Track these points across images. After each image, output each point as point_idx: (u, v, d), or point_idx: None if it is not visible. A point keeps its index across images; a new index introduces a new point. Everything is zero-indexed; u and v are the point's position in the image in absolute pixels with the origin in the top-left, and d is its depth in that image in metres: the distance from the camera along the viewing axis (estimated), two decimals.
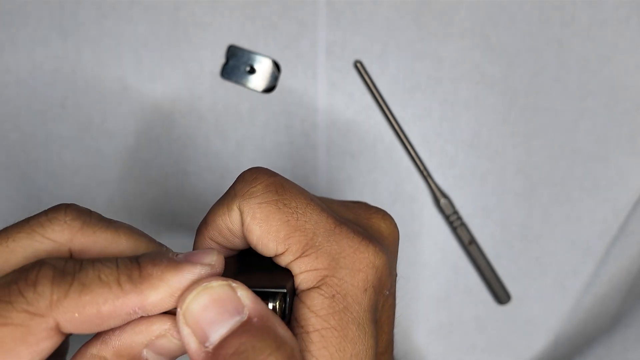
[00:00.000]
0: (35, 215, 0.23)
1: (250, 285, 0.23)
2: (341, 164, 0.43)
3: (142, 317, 0.23)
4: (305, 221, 0.25)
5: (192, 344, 0.22)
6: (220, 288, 0.22)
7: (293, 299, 0.25)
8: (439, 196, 0.43)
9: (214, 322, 0.21)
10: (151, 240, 0.25)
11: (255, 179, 0.25)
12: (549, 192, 0.44)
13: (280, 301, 0.24)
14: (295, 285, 0.25)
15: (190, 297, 0.22)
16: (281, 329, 0.22)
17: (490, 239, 0.44)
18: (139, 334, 0.23)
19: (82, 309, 0.21)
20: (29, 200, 0.43)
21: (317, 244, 0.25)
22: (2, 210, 0.43)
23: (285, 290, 0.24)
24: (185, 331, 0.22)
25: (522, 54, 0.43)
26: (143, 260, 0.22)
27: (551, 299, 0.45)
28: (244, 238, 0.26)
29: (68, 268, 0.21)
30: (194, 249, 0.27)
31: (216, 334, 0.21)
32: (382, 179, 0.43)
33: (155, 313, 0.22)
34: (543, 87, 0.43)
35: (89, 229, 0.23)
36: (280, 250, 0.25)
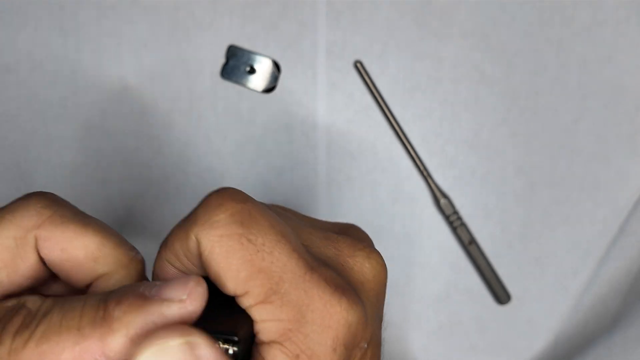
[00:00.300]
0: (14, 200, 0.23)
1: (202, 327, 0.21)
2: (341, 164, 0.43)
3: None
4: (272, 262, 0.22)
5: None
6: (177, 349, 0.19)
7: (251, 343, 0.23)
8: (439, 196, 0.43)
9: None
10: (120, 242, 0.23)
11: (220, 205, 0.22)
12: (549, 193, 0.44)
13: (233, 350, 0.21)
14: (255, 332, 0.22)
15: (142, 358, 0.19)
16: None
17: (490, 239, 0.44)
18: None
19: (40, 359, 0.19)
20: None
21: (282, 290, 0.22)
22: None
23: (236, 338, 0.21)
24: None
25: (522, 54, 0.43)
26: (110, 298, 0.20)
27: (551, 299, 0.44)
28: (203, 268, 0.23)
29: (39, 312, 0.20)
30: (153, 270, 0.25)
31: None
32: (382, 179, 0.43)
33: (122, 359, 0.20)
34: (543, 87, 0.43)
35: (58, 218, 0.22)
36: (239, 292, 0.22)
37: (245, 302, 0.22)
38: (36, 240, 0.23)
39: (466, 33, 0.42)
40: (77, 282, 0.24)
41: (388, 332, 0.29)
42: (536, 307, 0.45)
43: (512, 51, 0.43)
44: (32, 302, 0.21)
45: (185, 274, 0.24)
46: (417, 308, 0.45)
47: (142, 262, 0.24)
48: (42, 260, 0.23)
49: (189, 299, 0.20)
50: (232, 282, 0.22)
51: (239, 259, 0.21)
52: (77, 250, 0.23)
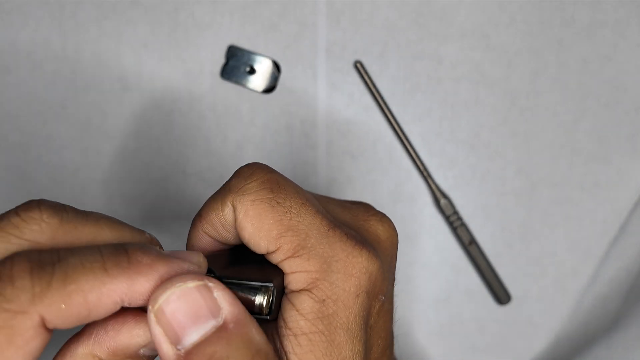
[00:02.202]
0: (4, 215, 0.21)
1: (238, 278, 0.23)
2: (341, 164, 0.43)
3: (139, 318, 0.22)
4: (299, 221, 0.24)
5: (164, 345, 0.21)
6: (195, 289, 0.21)
7: (281, 297, 0.25)
8: (439, 196, 0.43)
9: (187, 325, 0.20)
10: (135, 229, 0.24)
11: (251, 175, 0.25)
12: (549, 193, 0.44)
13: (267, 296, 0.24)
14: (285, 284, 0.25)
15: (163, 297, 0.20)
16: (257, 335, 0.22)
17: (490, 239, 0.44)
18: (137, 337, 0.22)
19: (68, 298, 0.19)
20: None
21: (309, 245, 0.24)
22: (2, 210, 0.43)
23: (272, 285, 0.24)
24: (157, 331, 0.21)
25: (522, 54, 0.43)
26: (131, 247, 0.21)
27: (551, 299, 0.44)
28: (237, 234, 0.25)
29: (45, 258, 0.20)
30: (188, 241, 0.27)
31: (189, 338, 0.20)
32: (382, 179, 0.43)
33: (140, 303, 0.21)
34: (543, 88, 0.43)
35: (69, 224, 0.22)
36: (271, 249, 0.24)
37: (276, 258, 0.24)
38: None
39: (466, 33, 0.42)
40: None
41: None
42: (536, 307, 0.45)
43: (512, 51, 0.43)
44: (28, 252, 0.20)
45: (221, 242, 0.26)
46: (418, 308, 0.45)
47: (158, 242, 0.25)
48: None
49: (202, 265, 0.22)
50: (265, 240, 0.24)
51: (270, 219, 0.24)
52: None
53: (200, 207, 0.26)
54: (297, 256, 0.24)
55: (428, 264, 0.44)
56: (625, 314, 0.43)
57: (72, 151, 0.42)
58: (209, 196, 0.26)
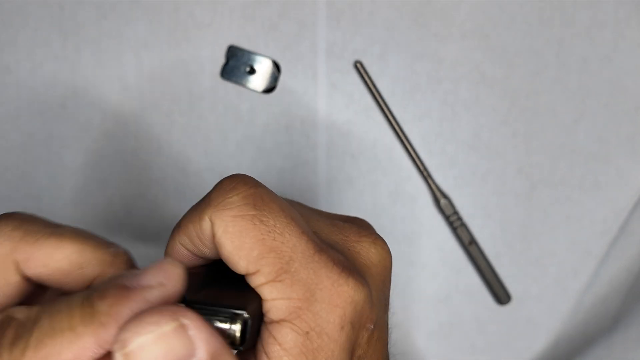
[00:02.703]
0: None
1: (210, 304, 0.22)
2: (341, 165, 0.43)
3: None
4: (282, 242, 0.23)
5: None
6: (171, 332, 0.19)
7: (259, 323, 0.23)
8: (439, 196, 0.43)
9: None
10: (101, 244, 0.23)
11: (234, 188, 0.23)
12: (549, 192, 0.44)
13: (241, 325, 0.22)
14: (265, 311, 0.23)
15: (134, 343, 0.19)
16: None
17: (490, 239, 0.44)
18: None
19: None
20: (29, 200, 0.43)
21: (292, 269, 0.22)
22: (2, 210, 0.43)
23: (246, 315, 0.22)
24: None
25: (522, 54, 0.43)
26: (92, 295, 0.20)
27: (552, 299, 0.44)
28: (215, 249, 0.24)
29: (29, 321, 0.20)
30: (165, 252, 0.26)
31: None
32: (382, 179, 0.43)
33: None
34: (543, 88, 0.43)
35: (30, 237, 0.22)
36: (251, 270, 0.23)
37: (256, 281, 0.23)
38: (16, 263, 0.22)
39: (466, 33, 0.42)
40: (72, 289, 0.24)
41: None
42: (536, 308, 0.45)
43: (512, 51, 0.43)
44: (19, 312, 0.21)
45: (198, 256, 0.25)
46: (418, 308, 0.45)
47: (127, 254, 0.24)
48: (26, 280, 0.23)
49: (168, 282, 0.20)
50: (245, 260, 0.22)
51: (251, 238, 0.22)
52: (60, 263, 0.23)
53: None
54: (279, 281, 0.22)
55: (428, 264, 0.44)
56: (626, 314, 0.43)
57: (72, 151, 0.42)
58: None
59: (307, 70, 0.42)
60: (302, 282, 0.23)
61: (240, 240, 0.22)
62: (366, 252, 0.26)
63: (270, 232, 0.23)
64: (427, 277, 0.44)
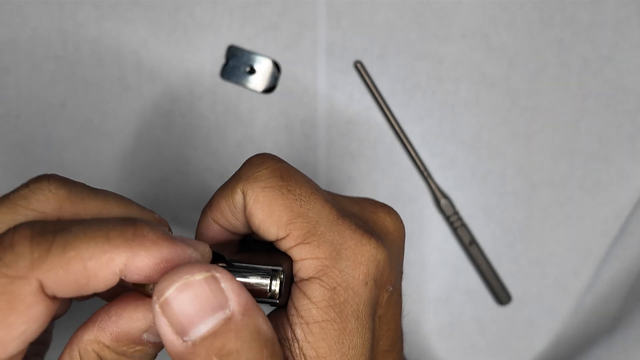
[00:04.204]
0: (15, 189, 0.22)
1: (246, 263, 0.23)
2: (341, 165, 0.43)
3: (139, 302, 0.22)
4: (309, 209, 0.25)
5: (169, 337, 0.20)
6: (203, 281, 0.20)
7: (290, 283, 0.25)
8: (439, 197, 0.43)
9: (195, 318, 0.20)
10: (144, 209, 0.24)
11: (262, 163, 0.25)
12: (549, 193, 0.44)
13: (278, 280, 0.24)
14: (294, 272, 0.25)
15: (169, 290, 0.20)
16: (264, 324, 0.21)
17: (490, 239, 0.44)
18: (137, 321, 0.22)
19: (67, 265, 0.19)
20: None
21: (319, 232, 0.24)
22: None
23: (281, 268, 0.24)
24: (162, 322, 0.20)
25: (522, 54, 0.43)
26: (139, 221, 0.21)
27: (552, 299, 0.44)
28: (246, 222, 0.25)
29: (48, 227, 0.20)
30: (197, 230, 0.27)
31: (197, 331, 0.20)
32: (382, 180, 0.43)
33: (137, 279, 0.20)
34: (543, 88, 0.43)
35: (76, 196, 0.22)
36: (281, 235, 0.24)
37: (286, 244, 0.25)
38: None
39: (466, 33, 0.42)
40: None
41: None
42: (537, 308, 0.45)
43: (512, 51, 0.43)
44: (33, 222, 0.20)
45: (230, 231, 0.26)
46: (418, 308, 0.45)
47: (166, 223, 0.25)
48: None
49: (204, 254, 0.22)
50: (275, 226, 0.24)
51: (280, 206, 0.24)
52: None
53: (208, 200, 0.26)
54: (307, 243, 0.24)
55: (428, 264, 0.44)
56: (626, 314, 0.43)
57: (72, 151, 0.42)
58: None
59: (307, 70, 0.42)
60: (329, 242, 0.24)
61: (270, 208, 0.24)
62: (382, 220, 0.27)
63: (297, 200, 0.24)
64: (427, 278, 0.44)
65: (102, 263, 0.20)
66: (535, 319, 0.45)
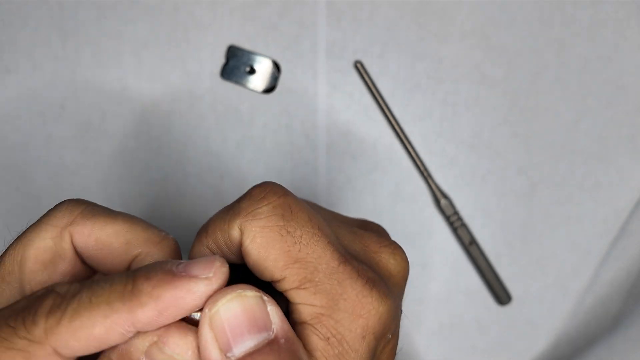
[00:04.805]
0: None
1: None
2: (341, 165, 0.43)
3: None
4: (308, 253, 0.23)
5: (212, 351, 0.21)
6: (253, 299, 0.21)
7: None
8: (439, 197, 0.43)
9: (242, 333, 0.20)
10: (148, 226, 0.24)
11: (264, 198, 0.24)
12: (549, 193, 0.44)
13: None
14: (290, 311, 0.24)
15: (221, 302, 0.21)
16: (304, 354, 0.21)
17: (490, 239, 0.44)
18: (134, 344, 0.22)
19: (74, 334, 0.21)
20: (29, 200, 0.43)
21: (316, 279, 0.23)
22: (2, 210, 0.43)
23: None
24: (208, 335, 0.21)
25: (522, 54, 0.43)
26: (137, 274, 0.21)
27: (552, 299, 0.44)
28: (241, 256, 0.24)
29: (69, 294, 0.21)
30: (190, 253, 0.26)
31: (242, 347, 0.20)
32: (383, 180, 0.43)
33: (152, 328, 0.21)
34: (543, 88, 0.43)
35: (88, 213, 0.24)
36: (276, 278, 0.24)
37: (281, 287, 0.24)
38: (71, 236, 0.24)
39: (466, 33, 0.42)
40: (114, 269, 0.25)
41: None
42: (537, 308, 0.45)
43: (512, 51, 0.43)
44: (62, 286, 0.22)
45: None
46: (418, 308, 0.45)
47: (174, 241, 0.25)
48: (79, 257, 0.25)
49: (214, 277, 0.21)
50: (270, 270, 0.23)
51: (277, 250, 0.23)
52: (110, 238, 0.24)
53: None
54: (303, 289, 0.23)
55: (428, 264, 0.44)
56: (626, 314, 0.43)
57: (72, 151, 0.42)
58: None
59: (307, 70, 0.42)
60: (326, 291, 0.23)
61: (266, 251, 0.23)
62: (385, 262, 0.26)
63: (296, 243, 0.23)
64: (427, 278, 0.44)
65: (107, 328, 0.21)
66: (535, 319, 0.45)
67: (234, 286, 0.21)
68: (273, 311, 0.21)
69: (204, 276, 0.21)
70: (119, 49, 0.42)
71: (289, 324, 0.21)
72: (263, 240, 0.23)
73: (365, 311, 0.24)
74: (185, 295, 0.21)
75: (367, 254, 0.26)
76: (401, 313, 0.27)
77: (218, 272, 0.22)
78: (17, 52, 0.41)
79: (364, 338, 0.24)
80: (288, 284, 0.23)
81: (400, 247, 0.27)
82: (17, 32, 0.41)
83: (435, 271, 0.44)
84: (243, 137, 0.43)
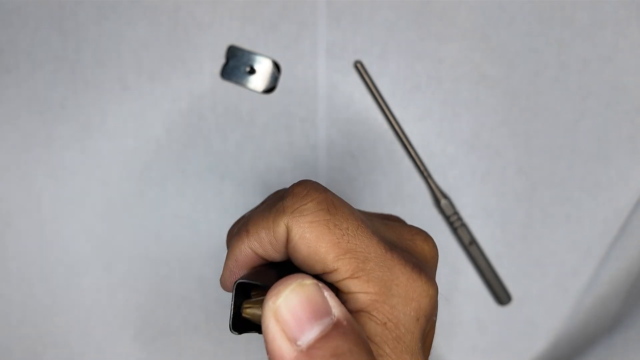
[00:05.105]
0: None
1: None
2: (341, 165, 0.43)
3: None
4: (356, 244, 0.24)
5: (281, 344, 0.21)
6: (312, 287, 0.21)
7: None
8: (439, 197, 0.43)
9: (308, 321, 0.21)
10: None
11: (307, 195, 0.25)
12: (549, 193, 0.44)
13: None
14: (343, 301, 0.24)
15: (285, 292, 0.21)
16: (362, 331, 0.22)
17: (490, 239, 0.44)
18: None
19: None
20: (29, 200, 0.43)
21: (368, 268, 0.24)
22: (2, 210, 0.43)
23: None
24: (274, 328, 0.21)
25: (522, 55, 0.43)
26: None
27: (552, 299, 0.44)
28: (286, 253, 0.25)
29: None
30: (230, 255, 0.27)
31: (309, 334, 0.21)
32: (383, 180, 0.43)
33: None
34: (543, 88, 0.43)
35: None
36: (328, 270, 0.24)
37: (333, 278, 0.24)
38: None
39: (466, 33, 0.42)
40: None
41: None
42: (537, 308, 0.45)
43: (512, 51, 0.43)
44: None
45: (264, 259, 0.27)
46: None
47: None
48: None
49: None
50: (322, 263, 0.24)
51: (328, 242, 0.24)
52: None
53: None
54: (356, 277, 0.24)
55: None
56: (626, 315, 0.43)
57: (72, 151, 0.42)
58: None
59: (307, 71, 0.42)
60: (378, 278, 0.24)
61: (317, 244, 0.24)
62: (421, 249, 0.27)
63: (344, 235, 0.24)
64: None
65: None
66: (535, 319, 0.45)
67: (291, 276, 0.21)
68: (329, 296, 0.21)
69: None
70: (119, 49, 0.42)
71: (345, 308, 0.22)
72: (312, 235, 0.24)
73: (416, 294, 0.24)
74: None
75: (403, 242, 0.27)
76: None
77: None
78: (17, 52, 0.41)
79: (417, 320, 0.24)
80: (341, 275, 0.24)
81: (429, 235, 0.28)
82: (17, 32, 0.41)
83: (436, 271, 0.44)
84: (243, 137, 0.43)
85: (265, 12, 0.42)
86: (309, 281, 0.21)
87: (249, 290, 0.24)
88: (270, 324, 0.21)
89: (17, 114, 0.42)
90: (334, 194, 0.25)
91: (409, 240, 0.27)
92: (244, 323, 0.24)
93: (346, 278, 0.24)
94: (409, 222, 0.44)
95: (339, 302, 0.21)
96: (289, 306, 0.21)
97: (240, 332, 0.24)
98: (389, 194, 0.43)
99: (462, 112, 0.43)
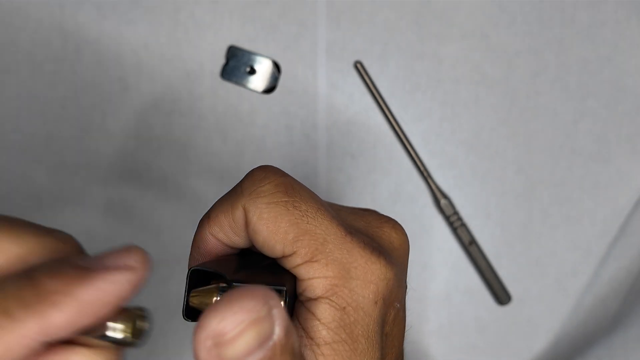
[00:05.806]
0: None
1: (247, 282, 0.23)
2: (341, 165, 0.43)
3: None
4: (316, 225, 0.24)
5: None
6: (264, 315, 0.19)
7: (293, 302, 0.24)
8: (439, 197, 0.43)
9: (251, 353, 0.19)
10: (39, 229, 0.20)
11: (265, 177, 0.24)
12: (549, 193, 0.44)
13: (284, 300, 0.23)
14: (300, 291, 0.24)
15: (233, 332, 0.18)
16: (296, 342, 0.21)
17: (490, 239, 0.44)
18: None
19: None
20: (29, 200, 0.43)
21: (327, 250, 0.23)
22: (2, 210, 0.43)
23: (285, 289, 0.23)
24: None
25: (522, 55, 0.43)
26: (37, 274, 0.17)
27: (552, 299, 0.44)
28: (247, 237, 0.24)
29: None
30: (193, 243, 0.26)
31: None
32: (383, 180, 0.43)
33: (65, 337, 0.17)
34: (543, 88, 0.43)
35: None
36: (287, 252, 0.23)
37: (292, 262, 0.24)
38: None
39: (466, 33, 0.42)
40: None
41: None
42: (536, 308, 0.45)
43: (512, 51, 0.43)
44: None
45: (228, 246, 0.25)
46: (418, 308, 0.45)
47: (74, 239, 0.21)
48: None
49: (137, 265, 0.18)
50: (281, 243, 0.23)
51: (286, 222, 0.23)
52: None
53: (209, 208, 0.25)
54: (315, 261, 0.23)
55: (428, 264, 0.44)
56: (625, 314, 0.43)
57: (72, 151, 0.42)
58: (217, 198, 0.25)
59: (307, 71, 0.42)
60: (337, 261, 0.24)
61: (275, 225, 0.23)
62: (388, 236, 0.27)
63: (303, 216, 0.24)
64: (427, 278, 0.44)
65: (10, 343, 0.16)
66: (535, 318, 0.45)
67: (239, 300, 0.18)
68: (276, 314, 0.19)
69: (123, 265, 0.18)
70: (119, 50, 0.42)
71: (289, 321, 0.20)
72: (270, 215, 0.23)
73: (374, 277, 0.24)
74: (111, 289, 0.17)
75: (369, 229, 0.26)
76: (406, 288, 0.28)
77: (139, 258, 0.18)
78: (17, 52, 0.41)
79: (376, 303, 0.24)
80: (300, 258, 0.23)
81: (400, 225, 0.28)
82: (17, 32, 0.41)
83: (435, 271, 0.44)
84: (243, 137, 0.43)
85: (265, 12, 0.42)
86: (263, 312, 0.19)
87: (210, 279, 0.24)
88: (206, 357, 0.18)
89: (17, 114, 0.42)
90: (293, 178, 0.25)
91: (377, 228, 0.27)
92: (199, 311, 0.23)
93: (306, 262, 0.23)
94: (409, 222, 0.44)
95: (285, 316, 0.19)
96: (240, 339, 0.18)
97: (194, 320, 0.23)
98: (389, 194, 0.44)
99: (462, 112, 0.43)
